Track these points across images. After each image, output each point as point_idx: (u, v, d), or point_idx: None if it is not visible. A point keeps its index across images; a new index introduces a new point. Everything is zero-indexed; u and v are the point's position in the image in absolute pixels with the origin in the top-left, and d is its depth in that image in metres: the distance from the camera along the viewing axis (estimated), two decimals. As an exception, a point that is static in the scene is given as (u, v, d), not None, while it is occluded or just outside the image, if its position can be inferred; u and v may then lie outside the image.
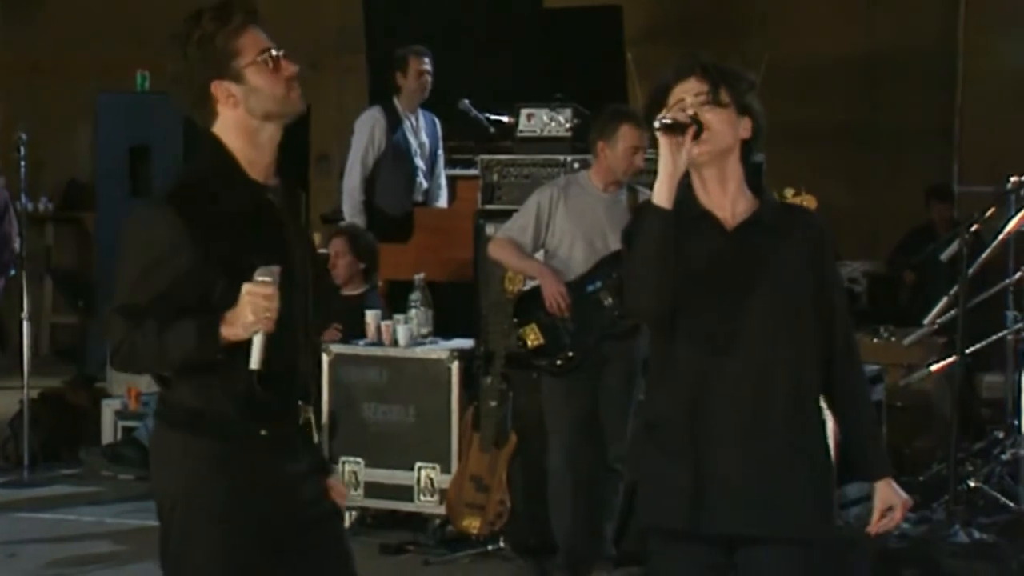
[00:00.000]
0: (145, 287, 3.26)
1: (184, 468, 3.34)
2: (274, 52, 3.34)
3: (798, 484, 3.46)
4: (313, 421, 3.48)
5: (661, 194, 3.39)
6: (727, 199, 3.50)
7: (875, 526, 3.61)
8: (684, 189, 3.45)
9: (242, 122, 3.34)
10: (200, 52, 3.30)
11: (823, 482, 3.54)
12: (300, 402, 3.43)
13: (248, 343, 3.24)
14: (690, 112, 3.43)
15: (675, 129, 3.39)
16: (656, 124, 3.40)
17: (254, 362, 3.25)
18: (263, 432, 3.35)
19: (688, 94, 3.46)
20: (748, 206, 3.51)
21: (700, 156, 3.44)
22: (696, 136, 3.41)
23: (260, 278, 3.21)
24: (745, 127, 3.50)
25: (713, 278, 3.45)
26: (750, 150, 3.52)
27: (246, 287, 3.20)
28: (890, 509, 3.58)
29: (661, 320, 3.48)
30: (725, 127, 3.46)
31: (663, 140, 3.39)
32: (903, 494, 3.61)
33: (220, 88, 3.32)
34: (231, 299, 3.23)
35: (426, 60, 8.45)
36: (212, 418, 3.33)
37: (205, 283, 3.26)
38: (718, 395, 3.43)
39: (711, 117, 3.44)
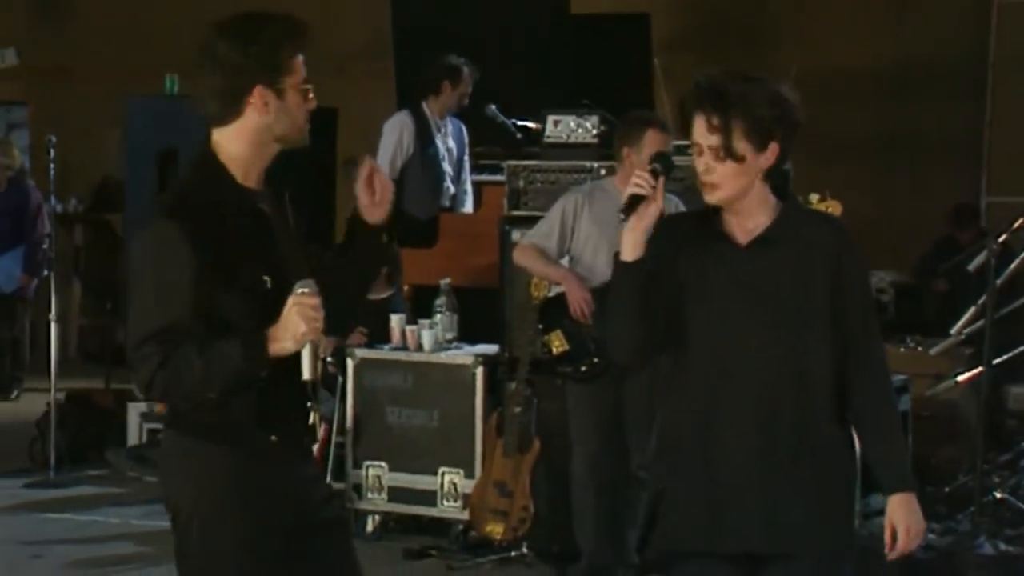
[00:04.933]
0: (168, 308, 3.22)
1: (199, 477, 3.36)
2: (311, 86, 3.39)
3: (813, 499, 3.41)
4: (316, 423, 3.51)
5: (625, 247, 3.38)
6: (746, 216, 3.43)
7: (888, 549, 3.46)
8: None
9: (260, 130, 3.37)
10: (260, 51, 3.31)
11: (840, 495, 3.47)
12: (308, 404, 3.45)
13: (288, 357, 3.25)
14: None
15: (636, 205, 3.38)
16: (620, 216, 3.38)
17: (307, 372, 3.28)
18: (273, 438, 3.37)
19: (702, 140, 3.37)
20: (767, 218, 3.43)
21: (716, 203, 3.40)
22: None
23: (302, 289, 3.22)
24: (768, 156, 3.37)
25: (723, 297, 3.41)
26: (776, 168, 3.40)
27: (292, 299, 3.21)
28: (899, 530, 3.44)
29: (642, 365, 3.46)
30: (737, 179, 3.37)
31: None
32: (915, 516, 3.45)
33: (261, 93, 3.34)
34: (238, 312, 3.25)
35: (472, 80, 8.46)
36: (223, 427, 3.33)
37: (210, 297, 3.26)
38: (727, 414, 3.40)
39: (722, 171, 3.35)
